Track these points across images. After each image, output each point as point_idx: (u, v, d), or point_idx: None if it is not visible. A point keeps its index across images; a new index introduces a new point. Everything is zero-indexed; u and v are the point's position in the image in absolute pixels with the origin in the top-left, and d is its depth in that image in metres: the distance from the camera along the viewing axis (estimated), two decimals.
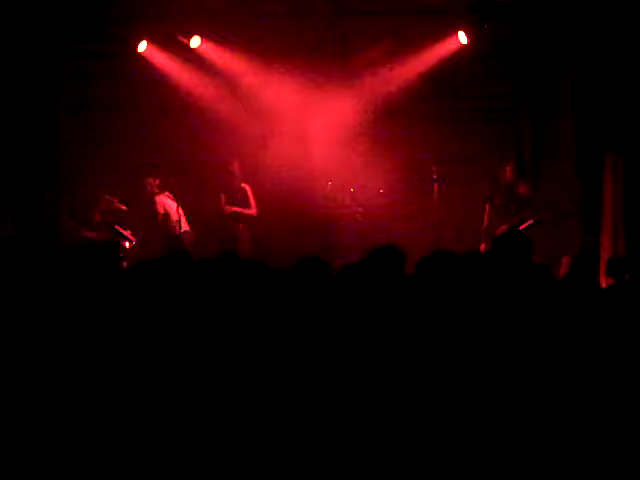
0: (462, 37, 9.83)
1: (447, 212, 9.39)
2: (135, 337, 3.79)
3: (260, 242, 9.58)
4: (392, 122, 9.95)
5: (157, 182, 9.50)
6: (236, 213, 9.61)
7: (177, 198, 9.42)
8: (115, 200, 9.29)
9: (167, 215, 9.46)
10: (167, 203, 9.51)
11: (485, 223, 8.99)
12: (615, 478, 3.33)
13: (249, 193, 9.70)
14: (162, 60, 10.05)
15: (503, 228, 8.56)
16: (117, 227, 9.16)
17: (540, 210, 8.71)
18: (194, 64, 10.06)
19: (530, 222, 8.51)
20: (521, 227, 8.52)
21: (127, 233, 9.21)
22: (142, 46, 9.95)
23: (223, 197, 9.61)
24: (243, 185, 9.72)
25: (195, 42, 10.00)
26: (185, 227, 9.42)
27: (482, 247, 8.65)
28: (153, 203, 9.49)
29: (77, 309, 4.00)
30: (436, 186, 9.42)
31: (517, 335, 3.65)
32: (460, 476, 3.31)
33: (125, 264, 7.81)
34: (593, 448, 3.36)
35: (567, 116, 9.62)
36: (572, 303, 4.04)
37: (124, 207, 9.28)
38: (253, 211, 9.72)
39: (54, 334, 3.79)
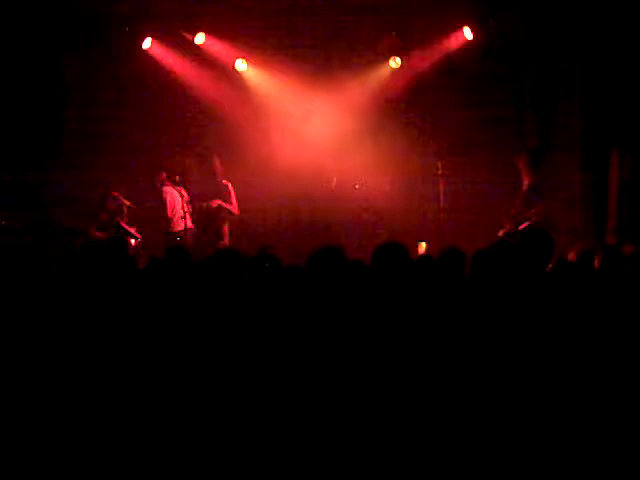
0: (467, 32, 9.81)
1: (451, 208, 9.38)
2: (143, 336, 3.80)
3: (263, 238, 9.54)
4: (396, 118, 9.94)
5: (164, 175, 9.46)
6: (222, 207, 9.53)
7: (185, 194, 9.40)
8: (121, 196, 9.27)
9: (173, 209, 9.43)
10: (174, 196, 9.46)
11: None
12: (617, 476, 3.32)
13: (231, 190, 9.63)
14: (166, 57, 10.05)
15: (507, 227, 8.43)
16: (123, 224, 9.15)
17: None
18: (198, 60, 10.06)
19: (529, 222, 8.24)
20: (520, 227, 8.30)
21: (132, 230, 9.20)
22: (147, 43, 9.96)
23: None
24: (225, 182, 9.65)
25: (200, 39, 10.00)
26: (189, 224, 9.38)
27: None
28: (162, 193, 9.43)
29: (85, 306, 4.01)
30: (441, 182, 9.41)
31: (525, 333, 3.65)
32: (460, 472, 3.30)
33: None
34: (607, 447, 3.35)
35: (573, 111, 9.59)
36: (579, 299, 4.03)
37: (129, 203, 9.26)
38: (235, 209, 9.65)
39: (60, 331, 3.80)
